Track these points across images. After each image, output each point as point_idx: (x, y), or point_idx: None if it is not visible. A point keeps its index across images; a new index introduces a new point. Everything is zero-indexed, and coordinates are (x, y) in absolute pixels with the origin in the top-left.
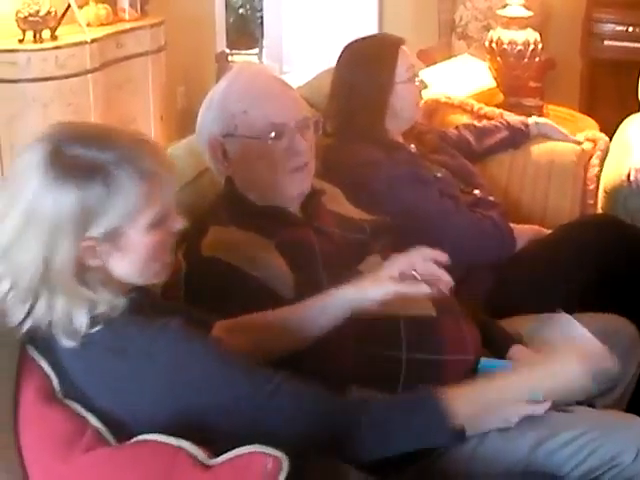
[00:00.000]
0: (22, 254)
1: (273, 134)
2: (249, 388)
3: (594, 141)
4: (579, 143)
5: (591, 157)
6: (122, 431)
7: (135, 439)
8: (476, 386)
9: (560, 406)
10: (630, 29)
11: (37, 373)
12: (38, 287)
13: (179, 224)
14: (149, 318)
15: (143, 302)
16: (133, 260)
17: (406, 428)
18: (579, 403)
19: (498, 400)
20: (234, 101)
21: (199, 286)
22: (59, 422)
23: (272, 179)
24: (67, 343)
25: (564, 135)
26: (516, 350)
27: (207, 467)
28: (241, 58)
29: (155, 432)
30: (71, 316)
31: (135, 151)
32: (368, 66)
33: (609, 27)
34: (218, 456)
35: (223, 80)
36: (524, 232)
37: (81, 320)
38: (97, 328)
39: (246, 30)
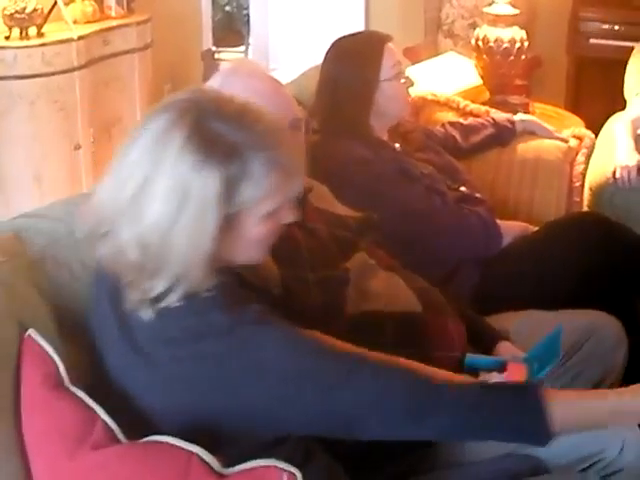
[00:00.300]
0: (177, 237)
1: None
2: (340, 375)
3: (580, 138)
4: (565, 140)
5: (577, 154)
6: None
7: (146, 439)
8: (579, 394)
9: None
10: (616, 27)
11: (43, 358)
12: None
13: (291, 217)
14: (236, 302)
15: (232, 285)
16: (239, 244)
17: (504, 420)
18: None
19: (596, 410)
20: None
21: None
22: (67, 413)
23: None
24: (146, 315)
25: (550, 132)
26: (502, 346)
27: (221, 476)
28: (227, 55)
29: (219, 417)
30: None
31: (272, 138)
32: (354, 62)
33: (595, 25)
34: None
35: (217, 77)
36: (510, 228)
37: (172, 295)
38: (179, 303)
39: (232, 27)
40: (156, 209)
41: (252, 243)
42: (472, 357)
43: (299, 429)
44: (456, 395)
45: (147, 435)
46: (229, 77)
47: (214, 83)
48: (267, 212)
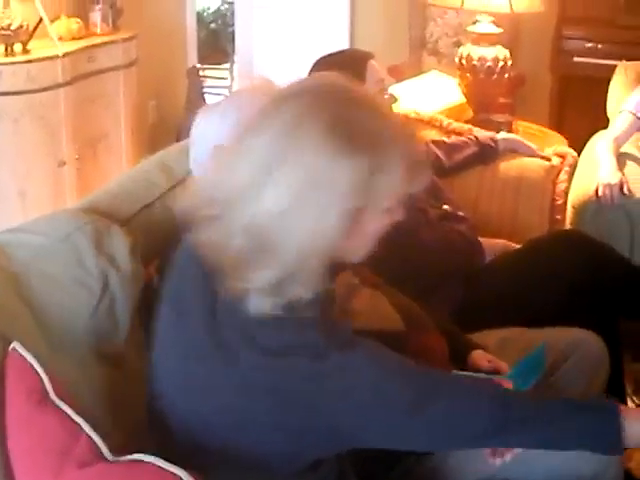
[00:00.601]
0: (297, 228)
1: None
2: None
3: (562, 156)
4: (547, 159)
5: (559, 172)
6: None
7: (132, 458)
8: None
9: None
10: (599, 46)
11: (27, 372)
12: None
13: (400, 215)
14: (328, 320)
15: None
16: (356, 240)
17: (581, 429)
18: None
19: None
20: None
21: None
22: (51, 428)
23: None
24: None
25: (532, 151)
26: (476, 355)
27: None
28: (212, 73)
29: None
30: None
31: (407, 130)
32: None
33: (578, 44)
34: None
35: (236, 96)
36: (493, 246)
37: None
38: (280, 313)
39: (218, 45)
40: (278, 196)
41: (368, 239)
42: (459, 374)
43: (371, 444)
44: (539, 410)
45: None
46: (254, 96)
47: (238, 100)
48: (389, 207)
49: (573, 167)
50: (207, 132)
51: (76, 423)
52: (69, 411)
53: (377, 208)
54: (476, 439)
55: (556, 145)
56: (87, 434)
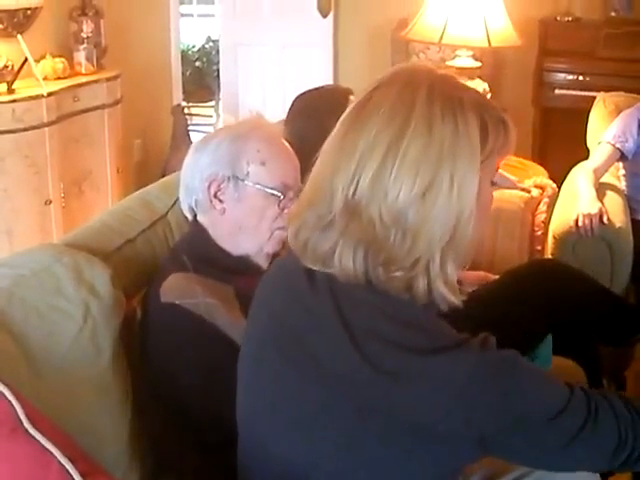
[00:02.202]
0: (437, 200)
1: (281, 193)
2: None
3: (542, 188)
4: (527, 191)
5: (539, 204)
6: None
7: None
8: None
9: None
10: (580, 78)
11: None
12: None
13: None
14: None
15: None
16: (482, 217)
17: None
18: None
19: None
20: (253, 150)
21: (156, 333)
22: (22, 459)
23: (257, 231)
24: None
25: (512, 182)
26: None
27: None
28: (198, 111)
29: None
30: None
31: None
32: (317, 116)
33: (560, 76)
34: None
35: (238, 126)
36: (470, 278)
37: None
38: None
39: (203, 83)
40: (411, 176)
41: (487, 215)
42: None
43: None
44: None
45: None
46: (254, 129)
47: (237, 130)
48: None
49: (552, 198)
50: (200, 163)
51: (48, 452)
52: (42, 440)
53: (489, 175)
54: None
55: (535, 177)
56: (59, 462)
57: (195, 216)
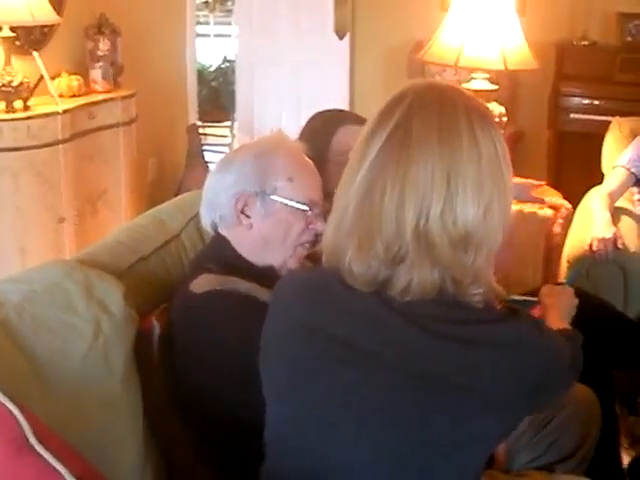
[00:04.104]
0: (494, 215)
1: (308, 208)
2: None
3: (556, 208)
4: (541, 201)
5: (553, 225)
6: None
7: None
8: None
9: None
10: (596, 102)
11: (5, 420)
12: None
13: None
14: None
15: None
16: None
17: None
18: (538, 469)
19: None
20: (280, 165)
21: (197, 325)
22: (29, 478)
23: (282, 246)
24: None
25: (527, 191)
26: None
27: None
28: (213, 130)
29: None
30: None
31: None
32: (312, 138)
33: (575, 100)
34: None
35: (260, 143)
36: None
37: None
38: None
39: (218, 102)
40: (476, 198)
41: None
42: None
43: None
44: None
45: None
46: (280, 145)
47: (263, 146)
48: None
49: (567, 220)
50: (225, 181)
51: (56, 470)
52: (49, 458)
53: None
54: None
55: (550, 196)
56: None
57: (216, 230)
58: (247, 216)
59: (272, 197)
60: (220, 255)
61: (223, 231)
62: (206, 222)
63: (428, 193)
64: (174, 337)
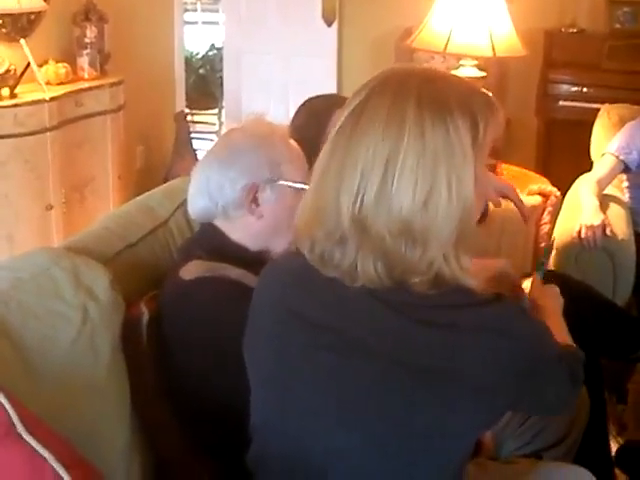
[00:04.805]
0: (442, 204)
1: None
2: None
3: (546, 195)
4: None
5: (542, 213)
6: None
7: None
8: None
9: (506, 457)
10: (584, 90)
11: None
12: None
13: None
14: None
15: None
16: (479, 205)
17: None
18: (526, 456)
19: None
20: (281, 150)
21: (186, 311)
22: (16, 464)
23: (289, 230)
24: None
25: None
26: None
27: None
28: (201, 118)
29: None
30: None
31: (473, 87)
32: (307, 123)
33: (564, 88)
34: None
35: (256, 130)
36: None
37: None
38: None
39: (206, 90)
40: (411, 187)
41: (484, 192)
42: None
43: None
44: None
45: None
46: (273, 131)
47: (259, 133)
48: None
49: (556, 208)
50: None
51: (42, 457)
52: (36, 445)
53: (483, 161)
54: None
55: (540, 184)
56: (52, 467)
57: (206, 220)
58: (257, 205)
59: (280, 182)
60: (210, 242)
61: (218, 221)
62: (197, 212)
63: (364, 178)
64: (163, 323)
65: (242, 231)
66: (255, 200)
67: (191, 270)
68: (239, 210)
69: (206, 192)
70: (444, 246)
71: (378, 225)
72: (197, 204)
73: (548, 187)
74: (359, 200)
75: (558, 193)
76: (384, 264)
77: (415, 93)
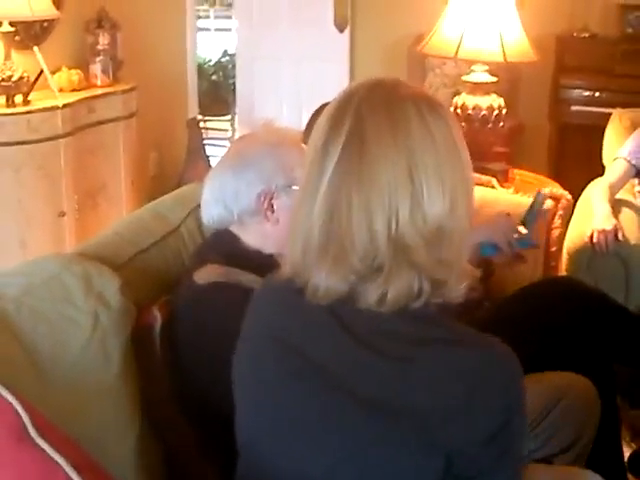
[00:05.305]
0: (460, 209)
1: None
2: None
3: (557, 198)
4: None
5: (554, 217)
6: None
7: None
8: None
9: None
10: (597, 94)
11: (6, 411)
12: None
13: None
14: None
15: None
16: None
17: None
18: (536, 461)
19: None
20: (295, 155)
21: (200, 316)
22: (29, 468)
23: None
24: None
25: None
26: None
27: None
28: (213, 124)
29: None
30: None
31: None
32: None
33: (576, 92)
34: None
35: (269, 136)
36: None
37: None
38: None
39: (219, 96)
40: (440, 190)
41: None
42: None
43: None
44: None
45: None
46: (285, 136)
47: (271, 140)
48: None
49: (567, 211)
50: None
51: (55, 462)
52: (49, 450)
53: None
54: None
55: (551, 187)
56: (65, 472)
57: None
58: (273, 211)
59: (294, 187)
60: (225, 247)
61: (233, 227)
62: (212, 219)
63: (393, 196)
64: (176, 326)
65: (257, 236)
66: (271, 206)
67: (206, 275)
68: (255, 217)
69: (221, 200)
70: (462, 248)
71: (416, 239)
72: (212, 212)
73: (559, 190)
74: (394, 221)
75: (569, 196)
76: (419, 278)
77: (408, 95)
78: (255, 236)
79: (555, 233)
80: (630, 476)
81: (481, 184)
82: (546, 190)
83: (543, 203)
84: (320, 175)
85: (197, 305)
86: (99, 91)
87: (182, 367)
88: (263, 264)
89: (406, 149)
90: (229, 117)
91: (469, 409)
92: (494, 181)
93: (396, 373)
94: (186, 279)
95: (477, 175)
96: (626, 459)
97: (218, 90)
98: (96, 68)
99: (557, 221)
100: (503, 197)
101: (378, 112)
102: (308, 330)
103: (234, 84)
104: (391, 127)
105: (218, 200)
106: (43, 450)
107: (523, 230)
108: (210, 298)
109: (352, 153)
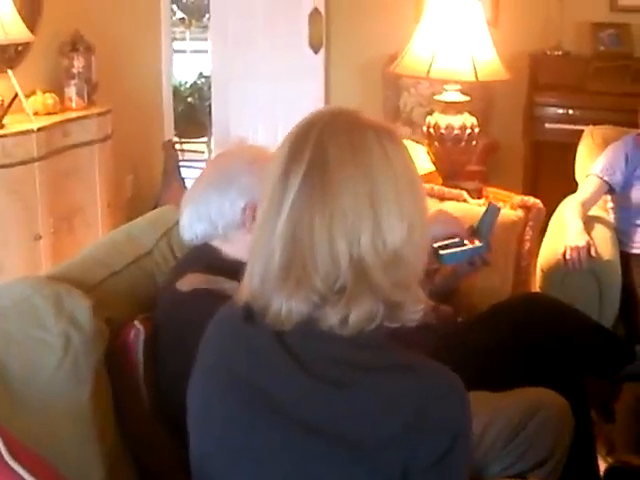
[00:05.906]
0: (417, 234)
1: None
2: None
3: (528, 208)
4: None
5: (524, 228)
6: None
7: None
8: None
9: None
10: (570, 112)
11: None
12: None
13: None
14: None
15: None
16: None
17: None
18: (510, 477)
19: None
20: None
21: (184, 322)
22: None
23: None
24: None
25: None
26: None
27: None
28: (190, 147)
29: None
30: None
31: None
32: None
33: (550, 110)
34: None
35: (245, 152)
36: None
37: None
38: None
39: (195, 118)
40: (399, 217)
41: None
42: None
43: None
44: None
45: None
46: (262, 150)
47: (255, 152)
48: None
49: (538, 221)
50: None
51: None
52: (22, 472)
53: None
54: None
55: (523, 196)
56: None
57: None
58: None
59: None
60: (206, 259)
61: (215, 242)
62: (195, 236)
63: (357, 222)
64: (159, 338)
65: (241, 247)
66: (255, 218)
67: (188, 282)
68: (240, 229)
69: (206, 217)
70: (417, 271)
71: (375, 262)
72: (196, 229)
73: (531, 199)
74: (355, 244)
75: (541, 205)
76: (377, 302)
77: (368, 123)
78: (239, 247)
79: (526, 246)
80: None
81: (452, 198)
82: (500, 204)
83: (496, 216)
84: (281, 201)
85: (179, 309)
86: (74, 114)
87: (164, 378)
88: (242, 272)
89: (368, 178)
90: (205, 139)
91: (408, 439)
92: (465, 194)
93: (332, 398)
94: (167, 291)
95: (447, 189)
96: (602, 473)
97: (194, 112)
98: (71, 91)
99: (528, 232)
100: (473, 210)
101: (340, 139)
102: (254, 357)
103: (210, 106)
104: (353, 155)
105: (202, 217)
106: (18, 474)
107: (477, 243)
108: (192, 304)
109: (314, 179)
